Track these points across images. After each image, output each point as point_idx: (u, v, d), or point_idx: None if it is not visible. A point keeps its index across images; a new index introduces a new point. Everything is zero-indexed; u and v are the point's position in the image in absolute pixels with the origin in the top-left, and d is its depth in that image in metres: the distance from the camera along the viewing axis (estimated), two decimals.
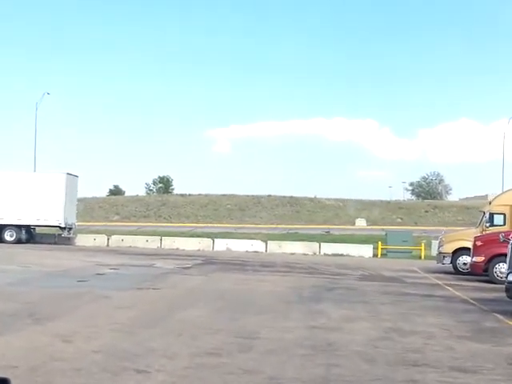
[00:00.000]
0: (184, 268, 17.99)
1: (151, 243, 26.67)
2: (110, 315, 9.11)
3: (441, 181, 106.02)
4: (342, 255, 25.15)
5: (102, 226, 45.68)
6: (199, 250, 25.99)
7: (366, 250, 25.68)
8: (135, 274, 15.95)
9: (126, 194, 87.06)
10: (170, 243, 26.70)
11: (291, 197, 71.51)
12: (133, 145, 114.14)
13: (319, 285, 14.44)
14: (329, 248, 26.19)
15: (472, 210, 66.25)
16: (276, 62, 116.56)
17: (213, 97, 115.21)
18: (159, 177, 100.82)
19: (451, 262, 17.59)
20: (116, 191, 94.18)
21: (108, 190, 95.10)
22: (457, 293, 13.48)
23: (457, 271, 17.45)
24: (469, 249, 16.97)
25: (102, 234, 28.16)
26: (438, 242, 18.81)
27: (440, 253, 17.97)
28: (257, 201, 69.74)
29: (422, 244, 25.32)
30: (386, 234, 26.25)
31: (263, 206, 66.90)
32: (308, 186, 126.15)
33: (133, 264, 18.51)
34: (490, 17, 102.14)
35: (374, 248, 26.02)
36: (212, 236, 30.37)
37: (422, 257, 24.78)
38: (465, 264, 17.28)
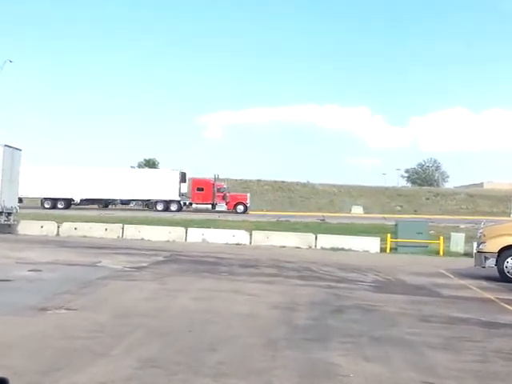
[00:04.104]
0: (136, 268, 13.35)
1: (111, 232, 21.87)
2: None
3: (437, 168, 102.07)
4: (342, 249, 20.57)
5: (72, 210, 40.94)
6: (169, 241, 21.28)
7: (371, 244, 21.12)
8: (59, 278, 11.29)
9: None
10: (133, 232, 21.92)
11: (282, 182, 66.94)
12: (122, 128, 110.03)
13: (320, 300, 9.87)
14: (326, 240, 21.58)
15: (475, 198, 62.18)
16: (268, 49, 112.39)
17: (205, 83, 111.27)
18: (145, 159, 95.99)
19: (496, 265, 13.02)
20: None
21: None
22: None
23: (504, 277, 12.89)
24: None
25: (51, 220, 23.31)
26: (478, 236, 14.19)
27: (480, 252, 13.38)
28: (245, 185, 65.03)
29: (441, 237, 20.77)
30: (396, 225, 21.63)
31: (252, 191, 62.09)
32: (300, 174, 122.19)
33: (69, 262, 13.84)
34: (485, 6, 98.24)
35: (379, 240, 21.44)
36: (191, 224, 25.68)
37: (441, 252, 20.26)
38: None
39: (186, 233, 22.08)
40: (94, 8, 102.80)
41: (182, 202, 43.19)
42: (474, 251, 14.36)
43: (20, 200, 43.94)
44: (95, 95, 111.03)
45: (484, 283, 12.64)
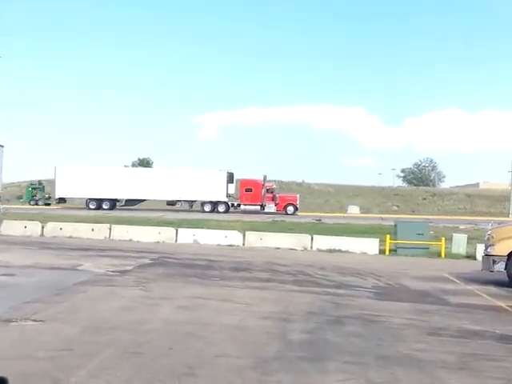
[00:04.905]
0: (120, 272, 12.43)
1: (98, 233, 20.88)
2: None
3: (434, 168, 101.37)
4: (339, 251, 19.65)
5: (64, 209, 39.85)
6: (158, 242, 20.34)
7: (370, 245, 20.21)
8: (34, 284, 10.37)
9: None
10: (122, 233, 20.92)
11: (278, 181, 66.05)
12: (117, 128, 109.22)
13: (317, 310, 8.98)
14: (322, 241, 20.64)
15: (473, 198, 61.40)
16: (265, 49, 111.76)
17: (201, 82, 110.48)
18: (138, 159, 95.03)
19: (506, 269, 12.16)
20: None
21: None
22: None
23: None
24: None
25: (35, 220, 22.31)
26: (485, 238, 13.29)
27: (488, 255, 12.50)
28: None
29: (443, 238, 19.88)
30: (395, 225, 20.71)
31: None
32: (295, 173, 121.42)
33: (47, 265, 12.91)
34: (481, 8, 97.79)
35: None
36: (183, 224, 24.74)
37: (443, 254, 19.39)
38: None
39: (177, 233, 21.13)
40: (93, 8, 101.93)
41: (229, 203, 42.12)
42: (482, 254, 13.48)
43: (64, 200, 43.27)
44: (92, 94, 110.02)
45: (493, 289, 11.77)
